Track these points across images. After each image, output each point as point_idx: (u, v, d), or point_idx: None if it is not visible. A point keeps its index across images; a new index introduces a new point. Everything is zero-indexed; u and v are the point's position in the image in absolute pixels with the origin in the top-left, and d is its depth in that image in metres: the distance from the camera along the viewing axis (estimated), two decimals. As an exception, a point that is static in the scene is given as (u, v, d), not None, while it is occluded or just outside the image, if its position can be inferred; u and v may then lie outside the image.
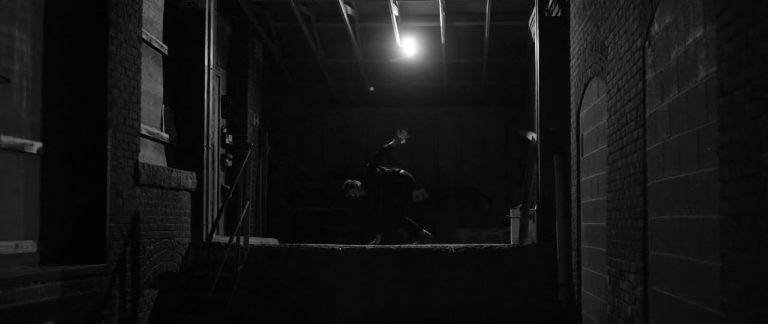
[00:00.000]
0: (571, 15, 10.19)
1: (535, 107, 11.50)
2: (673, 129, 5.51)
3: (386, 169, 13.14)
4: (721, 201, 4.36)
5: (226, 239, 10.95)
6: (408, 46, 15.17)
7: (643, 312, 6.30)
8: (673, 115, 5.51)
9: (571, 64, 10.26)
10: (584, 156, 9.34)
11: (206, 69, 11.70)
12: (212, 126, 12.42)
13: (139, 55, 9.44)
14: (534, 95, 11.73)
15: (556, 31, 10.94)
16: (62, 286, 7.49)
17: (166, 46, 11.02)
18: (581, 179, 9.55)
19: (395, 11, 13.70)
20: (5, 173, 7.14)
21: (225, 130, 13.24)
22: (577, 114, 9.71)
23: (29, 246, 7.65)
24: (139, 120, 9.43)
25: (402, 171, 13.33)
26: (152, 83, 10.57)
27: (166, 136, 10.93)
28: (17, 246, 7.41)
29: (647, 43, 6.20)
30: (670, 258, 5.58)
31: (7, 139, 7.20)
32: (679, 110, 5.37)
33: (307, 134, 17.99)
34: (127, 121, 9.02)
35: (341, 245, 11.49)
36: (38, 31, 7.86)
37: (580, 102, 9.48)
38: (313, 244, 11.54)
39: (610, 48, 7.58)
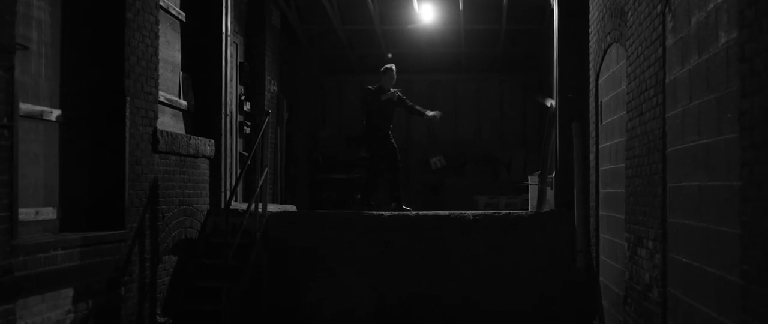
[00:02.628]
0: (591, -20, 10.10)
1: (554, 74, 11.44)
2: (693, 95, 5.47)
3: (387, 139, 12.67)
4: (741, 168, 4.33)
5: (244, 206, 11.00)
6: (426, 12, 15.09)
7: (661, 279, 6.29)
8: (693, 81, 5.47)
9: (590, 30, 10.18)
10: (603, 123, 9.29)
11: (224, 36, 11.69)
12: (230, 93, 12.43)
13: (157, 22, 9.44)
14: (553, 62, 11.66)
15: (575, -3, 10.85)
16: (82, 253, 7.55)
17: (183, 13, 11.01)
18: (600, 146, 9.51)
19: (413, -23, 13.63)
20: (25, 141, 7.18)
21: (243, 97, 13.25)
22: (596, 80, 9.65)
23: (49, 213, 7.71)
24: (157, 87, 9.45)
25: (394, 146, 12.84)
26: (170, 50, 10.57)
27: (184, 103, 10.95)
28: (37, 213, 7.47)
29: (667, 8, 6.13)
30: (689, 225, 5.56)
31: (26, 107, 7.23)
32: (700, 76, 5.32)
33: (325, 101, 17.98)
34: (145, 89, 9.04)
35: (359, 212, 11.52)
36: (56, -1, 7.87)
37: (599, 68, 9.42)
38: (331, 211, 11.58)
39: (629, 14, 7.50)
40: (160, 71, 9.77)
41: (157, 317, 9.40)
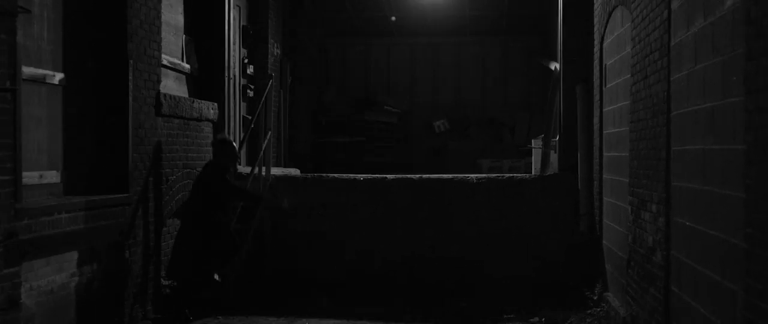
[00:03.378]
0: (596, -58, 10.01)
1: (558, 37, 11.38)
2: (699, 59, 5.44)
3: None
4: (746, 131, 4.32)
5: (248, 170, 10.99)
6: (430, -25, 15.01)
7: (664, 242, 6.30)
8: (699, 44, 5.43)
9: (595, -7, 10.12)
10: (607, 86, 9.26)
11: (227, -1, 11.63)
12: (233, 56, 12.38)
13: (159, -15, 9.39)
14: (557, 25, 11.60)
15: (580, -41, 10.77)
16: (86, 216, 7.57)
17: (185, -24, 10.95)
18: (604, 109, 9.48)
19: (417, -61, 13.53)
20: (28, 104, 7.16)
21: (246, 61, 13.20)
22: (601, 43, 9.60)
23: (53, 176, 7.71)
24: (159, 50, 9.41)
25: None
26: (172, 13, 10.51)
27: (187, 66, 10.91)
28: (41, 176, 7.48)
29: (673, -30, 6.08)
30: (693, 189, 5.55)
31: (29, 70, 7.20)
32: (705, 39, 5.29)
33: (329, 65, 17.95)
34: (147, 52, 9.00)
35: (362, 175, 11.52)
36: (57, -39, 7.81)
37: (604, 31, 9.37)
38: (335, 174, 11.57)
39: (635, -25, 7.45)
40: (163, 34, 9.72)
41: (162, 280, 9.44)
